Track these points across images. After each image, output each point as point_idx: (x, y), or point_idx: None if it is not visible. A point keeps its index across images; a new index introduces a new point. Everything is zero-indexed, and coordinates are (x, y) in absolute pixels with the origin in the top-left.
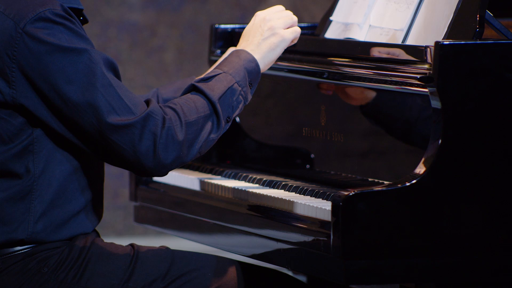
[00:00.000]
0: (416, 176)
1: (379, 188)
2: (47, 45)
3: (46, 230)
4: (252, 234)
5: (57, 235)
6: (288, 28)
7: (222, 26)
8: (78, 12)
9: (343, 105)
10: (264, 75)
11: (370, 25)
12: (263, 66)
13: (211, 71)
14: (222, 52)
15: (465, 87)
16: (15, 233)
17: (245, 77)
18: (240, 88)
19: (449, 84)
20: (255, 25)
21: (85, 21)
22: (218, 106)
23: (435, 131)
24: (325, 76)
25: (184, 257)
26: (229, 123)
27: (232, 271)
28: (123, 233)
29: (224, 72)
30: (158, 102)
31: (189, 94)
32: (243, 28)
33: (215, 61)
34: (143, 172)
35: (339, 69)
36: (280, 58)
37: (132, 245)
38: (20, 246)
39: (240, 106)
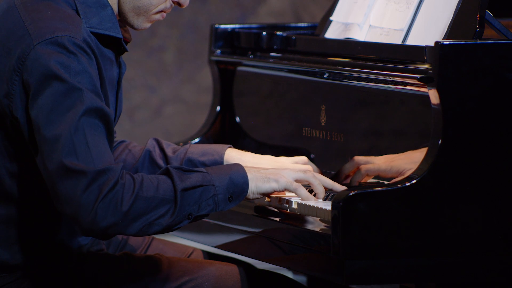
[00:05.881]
0: (416, 176)
1: (379, 188)
2: (48, 69)
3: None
4: (252, 234)
5: (52, 255)
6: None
7: (222, 26)
8: (117, 41)
9: (343, 105)
10: (264, 75)
11: (370, 25)
12: (251, 188)
13: (199, 169)
14: (222, 52)
15: (465, 87)
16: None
17: (227, 186)
18: (215, 193)
19: (449, 84)
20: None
21: (124, 50)
22: (179, 196)
23: (435, 131)
24: (325, 76)
25: (180, 265)
26: (189, 221)
27: (230, 277)
28: None
29: (207, 172)
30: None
31: (159, 175)
32: (243, 28)
33: (215, 61)
34: (78, 225)
35: (339, 69)
36: (280, 58)
37: (126, 253)
38: (16, 269)
39: (208, 209)
